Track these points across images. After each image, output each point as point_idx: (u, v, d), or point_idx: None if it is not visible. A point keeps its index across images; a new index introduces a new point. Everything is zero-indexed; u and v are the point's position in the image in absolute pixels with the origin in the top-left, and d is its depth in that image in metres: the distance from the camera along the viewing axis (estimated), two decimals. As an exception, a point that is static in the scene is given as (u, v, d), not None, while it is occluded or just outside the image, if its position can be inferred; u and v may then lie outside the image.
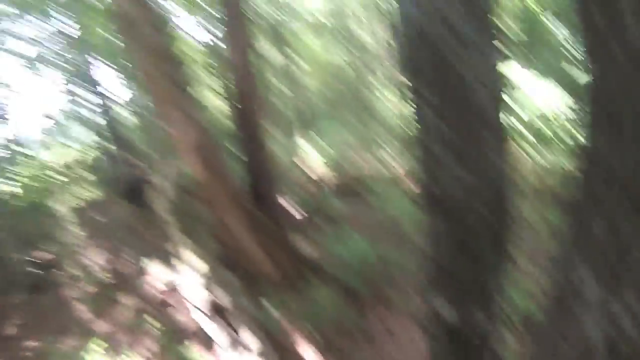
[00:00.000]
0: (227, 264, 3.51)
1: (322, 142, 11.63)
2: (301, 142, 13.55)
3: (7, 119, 18.52)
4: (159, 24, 3.82)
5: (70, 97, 21.02)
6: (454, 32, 2.04)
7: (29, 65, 16.32)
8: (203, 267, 3.28)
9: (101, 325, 6.57)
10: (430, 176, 2.24)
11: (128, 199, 2.87)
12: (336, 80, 25.15)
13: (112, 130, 13.00)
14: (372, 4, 14.75)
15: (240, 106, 4.46)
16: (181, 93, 3.79)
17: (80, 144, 20.56)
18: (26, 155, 18.55)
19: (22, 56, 16.63)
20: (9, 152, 18.21)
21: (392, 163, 10.04)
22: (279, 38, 14.07)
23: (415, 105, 2.25)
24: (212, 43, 16.29)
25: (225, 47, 4.42)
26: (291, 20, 14.30)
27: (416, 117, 2.25)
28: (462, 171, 2.12)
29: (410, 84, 2.26)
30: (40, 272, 8.87)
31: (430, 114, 2.15)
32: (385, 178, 7.90)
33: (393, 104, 11.77)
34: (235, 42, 4.27)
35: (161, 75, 3.67)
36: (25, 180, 18.22)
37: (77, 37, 11.88)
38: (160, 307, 6.62)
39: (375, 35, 18.38)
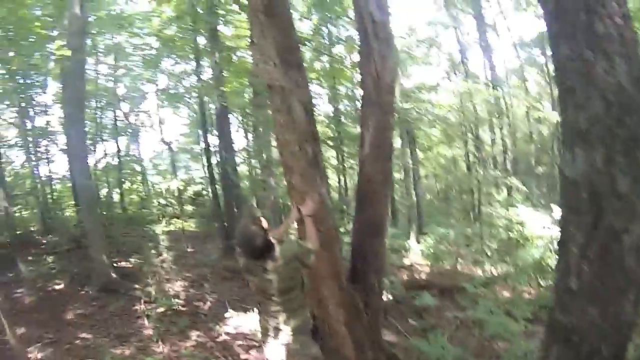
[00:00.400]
0: (311, 333, 3.58)
1: (428, 238, 11.81)
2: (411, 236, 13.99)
3: (138, 140, 21.00)
4: (309, 103, 4.25)
5: (190, 133, 23.29)
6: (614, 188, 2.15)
7: (164, 96, 18.57)
8: (286, 328, 3.37)
9: (158, 346, 6.84)
10: (562, 306, 2.41)
11: (239, 247, 3.04)
12: (449, 174, 25.41)
13: (223, 175, 14.09)
14: (494, 107, 14.99)
15: (363, 187, 4.68)
16: (315, 169, 4.11)
17: (190, 178, 22.48)
18: (139, 173, 20.70)
19: (160, 88, 19.09)
20: (128, 170, 20.47)
21: (491, 267, 9.81)
22: (405, 128, 14.80)
23: (561, 248, 2.46)
24: (340, 118, 17.44)
25: (360, 126, 4.71)
26: (419, 113, 14.94)
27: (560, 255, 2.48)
28: (594, 309, 2.29)
29: (565, 222, 2.44)
30: (119, 278, 9.38)
31: (575, 258, 2.30)
32: (482, 281, 7.70)
33: (499, 206, 11.57)
34: (371, 124, 4.54)
35: (300, 151, 4.02)
36: (134, 196, 20.17)
37: (212, 82, 13.35)
38: (220, 348, 6.82)
39: (494, 136, 18.57)
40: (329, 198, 4.26)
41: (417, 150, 16.40)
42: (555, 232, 8.38)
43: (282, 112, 4.03)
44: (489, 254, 10.95)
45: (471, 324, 6.81)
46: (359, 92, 20.58)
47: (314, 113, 4.28)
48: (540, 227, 8.92)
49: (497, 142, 18.33)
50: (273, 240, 3.16)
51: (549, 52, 20.57)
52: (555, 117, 12.05)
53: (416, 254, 12.80)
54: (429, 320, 7.38)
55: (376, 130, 4.46)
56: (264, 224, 3.17)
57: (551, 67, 20.73)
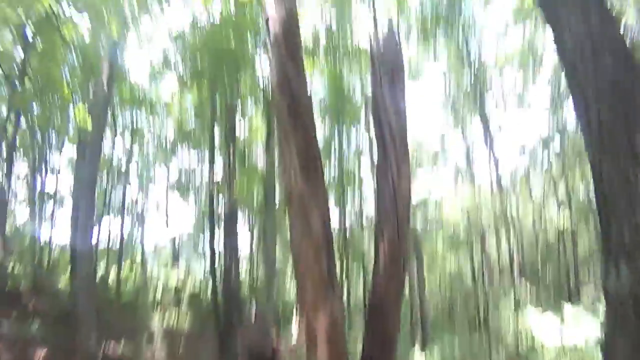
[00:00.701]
0: None
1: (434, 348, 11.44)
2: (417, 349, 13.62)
3: (142, 225, 20.89)
4: (327, 214, 4.23)
5: (196, 229, 23.24)
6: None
7: (171, 188, 18.75)
8: None
9: None
10: None
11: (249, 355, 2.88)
12: (455, 289, 25.10)
13: (226, 279, 13.89)
14: (502, 222, 15.12)
15: (377, 301, 4.53)
16: (329, 281, 4.00)
17: (190, 275, 22.05)
18: (140, 261, 20.31)
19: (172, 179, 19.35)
20: (129, 254, 20.16)
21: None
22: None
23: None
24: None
25: (375, 237, 4.66)
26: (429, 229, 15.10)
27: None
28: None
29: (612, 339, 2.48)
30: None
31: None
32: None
33: (508, 317, 11.27)
34: (387, 235, 4.49)
35: (315, 262, 3.94)
36: (130, 282, 19.66)
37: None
38: None
39: (501, 251, 18.51)
40: (342, 312, 4.12)
41: (423, 261, 16.27)
42: (565, 337, 8.11)
43: (300, 222, 4.00)
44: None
45: None
46: (366, 206, 20.94)
47: (331, 224, 4.26)
48: (549, 333, 8.59)
49: (502, 248, 18.21)
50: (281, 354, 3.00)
51: (552, 152, 21.18)
52: (559, 218, 12.05)
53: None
54: None
55: (390, 242, 4.41)
56: (274, 336, 3.02)
57: (555, 166, 21.32)
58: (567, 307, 9.10)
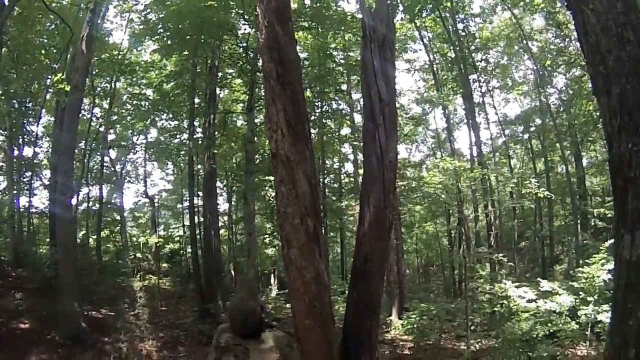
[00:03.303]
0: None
1: (410, 313, 11.74)
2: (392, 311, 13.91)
3: (121, 189, 20.69)
4: (313, 177, 4.23)
5: (174, 190, 23.14)
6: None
7: (153, 149, 18.53)
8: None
9: None
10: None
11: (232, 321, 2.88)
12: (431, 250, 25.63)
13: (205, 237, 13.88)
14: (479, 185, 15.34)
15: (360, 265, 4.59)
16: (315, 243, 4.03)
17: (169, 235, 22.06)
18: (119, 223, 20.23)
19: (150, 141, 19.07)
20: (109, 218, 20.03)
21: (476, 342, 9.68)
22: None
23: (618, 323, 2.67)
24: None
25: (360, 203, 4.70)
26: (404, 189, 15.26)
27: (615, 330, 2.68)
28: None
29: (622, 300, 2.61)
30: (88, 329, 8.99)
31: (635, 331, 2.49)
32: (468, 356, 7.55)
33: (482, 281, 11.57)
34: (372, 201, 4.53)
35: (301, 224, 3.95)
36: (110, 245, 19.64)
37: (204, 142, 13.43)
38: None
39: (477, 212, 18.90)
40: (327, 274, 4.16)
41: (400, 226, 16.51)
42: (542, 304, 8.36)
43: (286, 184, 3.99)
44: (472, 328, 10.81)
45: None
46: (348, 167, 21.12)
47: (318, 187, 4.26)
48: (526, 300, 8.85)
49: (480, 218, 18.59)
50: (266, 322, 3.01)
51: (532, 129, 21.49)
52: (539, 192, 12.28)
53: (398, 329, 12.57)
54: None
55: (377, 208, 4.45)
56: (261, 302, 3.04)
57: (534, 143, 21.65)
58: (542, 282, 9.34)
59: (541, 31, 19.11)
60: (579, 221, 17.81)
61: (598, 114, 16.63)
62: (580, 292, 8.69)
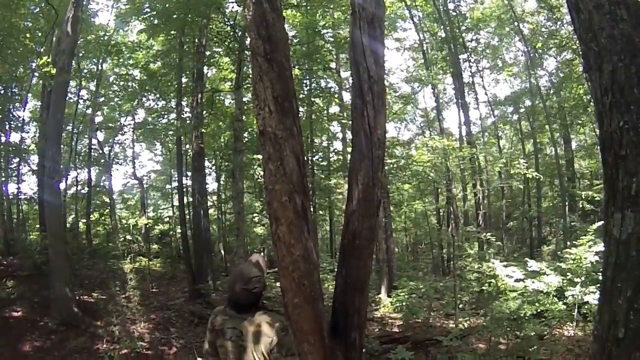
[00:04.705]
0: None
1: (399, 291, 11.89)
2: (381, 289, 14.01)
3: (110, 171, 20.55)
4: (302, 154, 4.20)
5: (162, 171, 23.02)
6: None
7: (141, 130, 18.38)
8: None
9: None
10: (609, 355, 2.59)
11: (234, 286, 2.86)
12: (420, 228, 25.78)
13: (194, 217, 13.82)
14: (468, 164, 15.41)
15: (349, 242, 4.59)
16: (303, 221, 4.02)
17: (158, 216, 21.99)
18: (108, 206, 20.15)
19: (138, 122, 18.89)
20: (98, 201, 19.93)
21: (464, 320, 9.84)
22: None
23: (607, 302, 2.68)
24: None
25: (349, 180, 4.68)
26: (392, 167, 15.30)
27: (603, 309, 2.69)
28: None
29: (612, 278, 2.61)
30: (80, 313, 8.98)
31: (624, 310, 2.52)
32: (457, 334, 7.65)
33: (471, 260, 11.72)
34: (361, 179, 4.52)
35: (289, 202, 3.94)
36: (100, 229, 19.60)
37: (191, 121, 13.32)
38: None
39: (466, 191, 19.04)
40: (315, 252, 4.16)
41: (389, 204, 16.57)
42: (530, 284, 8.49)
43: (274, 161, 3.96)
44: (461, 306, 10.97)
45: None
46: (336, 145, 21.10)
47: (306, 164, 4.23)
48: (514, 280, 8.98)
49: (469, 198, 18.73)
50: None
51: (521, 110, 21.57)
52: (528, 173, 12.39)
53: (387, 307, 12.72)
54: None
55: (365, 185, 4.43)
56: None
57: (524, 124, 21.75)
58: (530, 262, 9.48)
59: (533, 13, 19.05)
60: (567, 203, 18.03)
61: (588, 97, 16.80)
62: (568, 273, 8.84)
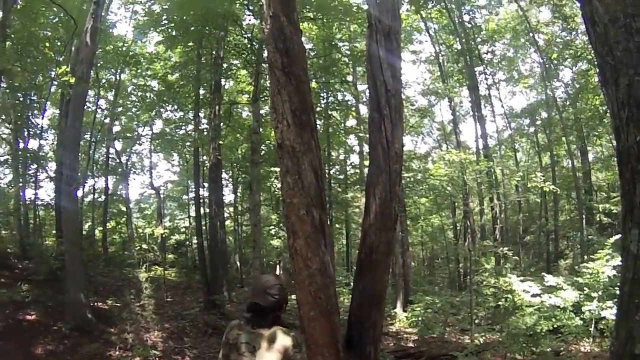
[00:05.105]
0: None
1: (415, 306, 11.82)
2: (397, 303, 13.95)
3: (127, 181, 20.82)
4: (320, 167, 4.22)
5: (179, 181, 23.22)
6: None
7: (158, 140, 18.62)
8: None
9: None
10: None
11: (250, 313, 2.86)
12: (436, 243, 25.59)
13: (211, 228, 13.91)
14: (484, 177, 15.31)
15: (366, 256, 4.58)
16: (320, 234, 4.03)
17: (175, 226, 22.17)
18: (124, 214, 20.36)
19: (156, 133, 19.14)
20: (114, 209, 20.16)
21: (480, 336, 9.70)
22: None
23: (623, 318, 2.59)
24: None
25: (366, 194, 4.69)
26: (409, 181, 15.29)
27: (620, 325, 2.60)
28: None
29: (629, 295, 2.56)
30: (94, 319, 9.06)
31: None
32: (472, 350, 7.55)
33: (487, 275, 11.59)
34: (378, 193, 4.52)
35: (307, 215, 3.95)
36: (116, 237, 19.78)
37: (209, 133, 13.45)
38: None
39: (483, 205, 18.87)
40: (332, 265, 4.15)
41: (406, 218, 16.52)
42: (547, 299, 8.36)
43: (292, 174, 3.97)
44: (477, 322, 10.84)
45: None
46: (353, 158, 21.12)
47: (324, 178, 4.24)
48: (530, 295, 8.85)
49: (485, 212, 18.58)
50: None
51: (538, 122, 21.39)
52: (545, 186, 12.25)
53: (402, 322, 12.61)
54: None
55: (383, 199, 4.42)
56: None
57: (540, 136, 21.54)
58: (547, 277, 9.34)
59: (547, 24, 18.98)
60: (584, 216, 17.76)
61: (604, 108, 16.61)
62: (585, 288, 8.69)
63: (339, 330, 4.31)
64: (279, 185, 11.29)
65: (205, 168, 14.94)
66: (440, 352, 8.72)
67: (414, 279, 17.70)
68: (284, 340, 2.71)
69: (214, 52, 13.58)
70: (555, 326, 8.04)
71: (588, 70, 17.08)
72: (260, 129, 13.52)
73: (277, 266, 18.75)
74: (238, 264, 18.51)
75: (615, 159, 2.97)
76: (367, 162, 5.61)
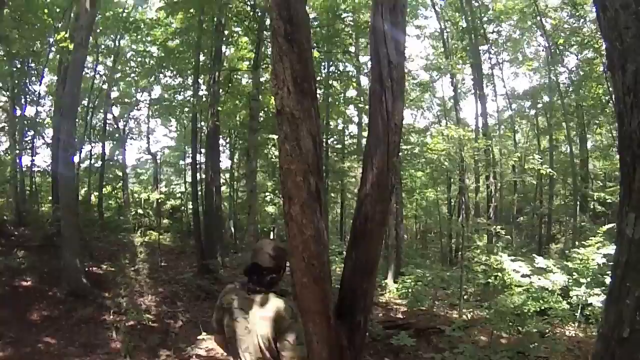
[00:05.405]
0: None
1: (406, 278, 11.96)
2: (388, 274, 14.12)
3: (124, 146, 20.76)
4: (318, 135, 4.22)
5: (176, 147, 23.17)
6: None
7: (157, 106, 18.50)
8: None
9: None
10: (612, 355, 2.58)
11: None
12: (430, 217, 25.74)
13: (206, 194, 13.93)
14: (482, 155, 15.31)
15: (360, 225, 4.62)
16: (316, 202, 4.05)
17: (170, 191, 22.23)
18: (121, 179, 20.38)
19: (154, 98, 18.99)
20: (110, 174, 20.16)
21: (468, 311, 9.89)
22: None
23: (613, 302, 2.66)
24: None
25: (363, 165, 4.70)
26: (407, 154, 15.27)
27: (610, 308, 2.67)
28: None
29: (621, 278, 2.62)
30: (89, 284, 9.12)
31: (631, 310, 2.52)
32: (460, 325, 7.70)
33: (479, 252, 11.73)
34: (376, 164, 4.54)
35: (303, 182, 3.97)
36: (112, 202, 19.84)
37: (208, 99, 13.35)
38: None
39: (478, 183, 18.93)
40: (326, 234, 4.19)
41: (401, 191, 16.59)
42: (536, 281, 8.50)
43: (290, 141, 3.97)
44: (466, 297, 11.02)
45: (448, 367, 6.76)
46: (352, 129, 21.06)
47: (322, 145, 4.24)
48: (520, 275, 8.99)
49: (481, 190, 18.65)
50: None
51: (539, 105, 21.31)
52: (542, 169, 12.30)
53: (392, 293, 12.80)
54: (405, 360, 7.35)
55: (380, 170, 4.43)
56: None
57: (541, 120, 21.50)
58: (538, 258, 9.46)
59: (556, 9, 18.71)
60: (578, 202, 17.89)
61: (607, 98, 16.58)
62: (574, 273, 8.83)
63: (331, 298, 4.38)
64: (276, 153, 11.27)
65: (203, 134, 14.89)
66: (429, 325, 8.88)
67: (406, 251, 17.89)
68: (278, 308, 2.64)
69: (215, 19, 13.38)
70: (542, 308, 8.20)
71: (594, 58, 16.94)
72: (260, 96, 13.43)
73: (272, 233, 18.94)
74: (233, 229, 18.61)
75: (614, 149, 2.99)
76: (365, 133, 5.62)
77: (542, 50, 20.89)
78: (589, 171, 20.29)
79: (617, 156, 2.87)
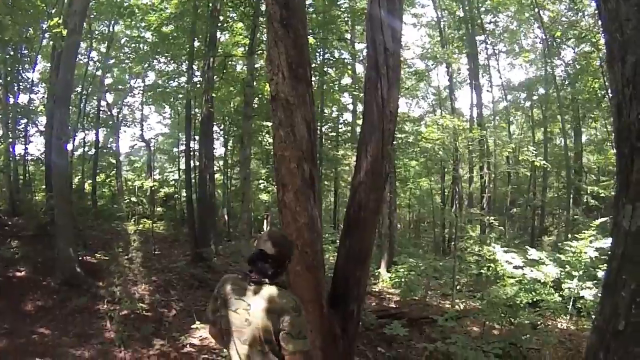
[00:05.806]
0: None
1: (399, 267, 11.99)
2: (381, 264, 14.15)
3: (117, 133, 20.62)
4: (313, 121, 4.18)
5: (170, 134, 23.03)
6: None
7: (150, 93, 18.30)
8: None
9: (120, 351, 6.52)
10: (607, 348, 2.55)
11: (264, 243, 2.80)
12: (423, 206, 25.79)
13: (200, 181, 13.84)
14: (477, 145, 15.34)
15: (354, 213, 4.61)
16: (310, 189, 4.03)
17: (164, 179, 22.14)
18: (114, 167, 20.27)
19: (147, 85, 18.76)
20: (104, 162, 20.04)
21: (461, 302, 9.94)
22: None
23: (609, 294, 2.63)
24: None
25: (358, 152, 4.67)
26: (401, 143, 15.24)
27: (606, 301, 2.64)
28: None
29: (617, 270, 2.60)
30: (83, 273, 9.00)
31: (626, 302, 2.48)
32: (452, 315, 7.72)
33: (472, 242, 11.77)
34: (370, 151, 4.52)
35: (297, 169, 3.94)
36: (105, 190, 19.74)
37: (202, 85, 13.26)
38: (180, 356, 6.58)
39: (472, 173, 18.98)
40: (320, 221, 4.18)
41: (395, 179, 16.58)
42: (529, 272, 8.53)
43: (284, 127, 3.94)
44: (458, 288, 11.08)
45: (440, 357, 6.79)
46: (346, 116, 20.98)
47: (316, 133, 4.20)
48: (513, 266, 9.02)
49: (475, 180, 18.72)
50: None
51: (535, 97, 21.32)
52: (536, 161, 12.33)
53: (385, 282, 12.84)
54: (397, 349, 7.41)
55: (374, 157, 4.42)
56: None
57: (536, 112, 21.52)
58: (530, 250, 9.50)
59: (554, 1, 18.66)
60: (572, 196, 17.98)
61: (602, 92, 16.60)
62: (566, 266, 8.86)
63: (324, 286, 4.37)
64: (270, 140, 11.18)
65: (196, 121, 14.78)
66: (421, 314, 8.91)
67: (399, 240, 17.96)
68: (281, 301, 2.52)
69: (210, 4, 13.23)
70: (534, 300, 8.22)
71: (591, 52, 16.94)
72: (254, 83, 13.33)
73: (265, 220, 18.93)
74: (226, 217, 18.57)
75: (609, 143, 2.97)
76: (360, 121, 5.58)
77: (539, 43, 20.89)
78: (582, 165, 20.38)
79: (612, 150, 2.84)
